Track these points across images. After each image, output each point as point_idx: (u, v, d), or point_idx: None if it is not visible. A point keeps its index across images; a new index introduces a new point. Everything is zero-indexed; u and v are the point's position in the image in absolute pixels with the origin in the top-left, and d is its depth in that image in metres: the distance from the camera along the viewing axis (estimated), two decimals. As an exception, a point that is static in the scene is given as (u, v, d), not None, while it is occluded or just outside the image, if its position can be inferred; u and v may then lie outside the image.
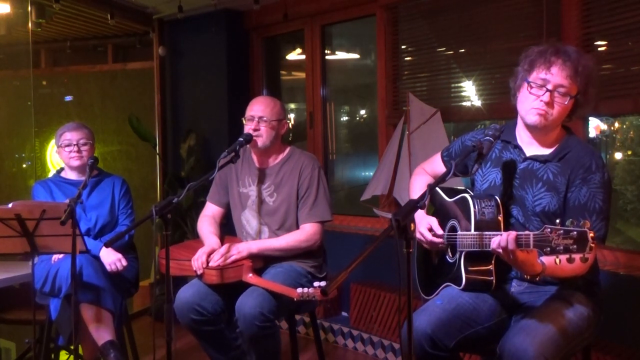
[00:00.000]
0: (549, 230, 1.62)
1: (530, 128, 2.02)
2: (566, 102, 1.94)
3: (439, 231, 2.11)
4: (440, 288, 2.14)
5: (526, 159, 2.05)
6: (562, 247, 1.59)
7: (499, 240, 1.76)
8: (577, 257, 1.58)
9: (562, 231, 1.59)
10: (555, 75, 1.92)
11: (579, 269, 1.86)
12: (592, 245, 1.55)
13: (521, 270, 1.83)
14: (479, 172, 2.15)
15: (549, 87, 1.93)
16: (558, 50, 1.95)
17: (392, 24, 3.92)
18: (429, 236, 2.11)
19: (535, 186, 2.01)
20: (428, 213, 2.19)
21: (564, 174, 1.98)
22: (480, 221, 1.97)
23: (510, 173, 2.07)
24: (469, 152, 1.98)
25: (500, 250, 1.76)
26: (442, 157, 2.34)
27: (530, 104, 1.96)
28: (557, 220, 1.64)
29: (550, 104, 1.94)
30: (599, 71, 2.13)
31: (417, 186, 2.35)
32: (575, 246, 1.57)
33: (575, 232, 1.58)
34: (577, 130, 2.88)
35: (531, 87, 1.96)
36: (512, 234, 1.73)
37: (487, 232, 1.89)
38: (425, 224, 2.13)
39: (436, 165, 2.36)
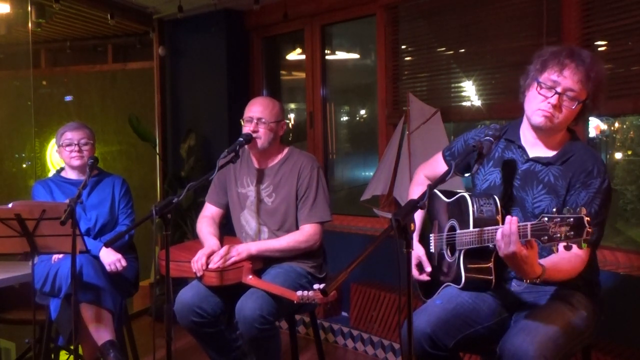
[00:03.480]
0: (546, 219, 1.62)
1: (535, 129, 2.02)
2: (574, 107, 1.92)
3: (428, 268, 2.18)
4: (440, 288, 2.14)
5: (528, 160, 2.04)
6: (559, 235, 1.60)
7: (501, 230, 1.74)
8: (574, 244, 1.59)
9: (559, 219, 1.60)
10: (567, 78, 1.90)
11: (573, 269, 1.87)
12: (589, 230, 1.56)
13: (521, 271, 1.80)
14: (480, 171, 2.14)
15: (559, 89, 1.91)
16: (573, 53, 1.93)
17: (392, 24, 3.92)
18: (417, 274, 2.19)
19: (536, 188, 2.00)
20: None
21: (565, 177, 1.97)
22: (479, 219, 1.96)
23: (511, 174, 2.06)
24: (469, 152, 1.97)
25: (503, 245, 1.73)
26: (444, 156, 2.32)
27: (538, 104, 1.95)
28: (554, 209, 1.64)
29: (557, 106, 1.92)
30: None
31: (417, 186, 2.35)
32: (572, 232, 1.58)
33: (572, 219, 1.58)
34: (577, 130, 2.87)
35: (540, 88, 1.94)
36: (514, 218, 1.73)
37: (486, 228, 1.89)
38: (414, 260, 2.18)
39: (437, 164, 2.35)
